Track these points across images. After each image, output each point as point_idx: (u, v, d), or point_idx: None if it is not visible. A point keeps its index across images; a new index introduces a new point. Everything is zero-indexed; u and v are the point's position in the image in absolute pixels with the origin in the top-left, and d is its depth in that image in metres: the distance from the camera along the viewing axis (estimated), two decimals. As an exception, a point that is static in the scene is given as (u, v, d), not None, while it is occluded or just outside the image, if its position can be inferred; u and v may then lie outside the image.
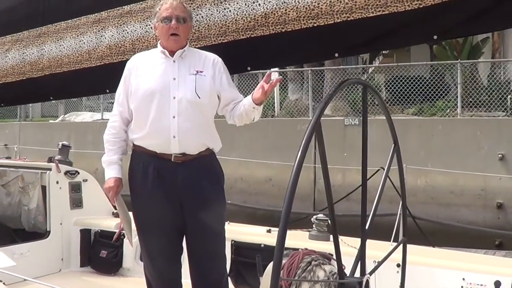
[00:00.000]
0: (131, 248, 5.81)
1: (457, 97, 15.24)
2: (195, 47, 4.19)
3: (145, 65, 4.00)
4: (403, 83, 16.25)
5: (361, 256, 2.88)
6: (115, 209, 6.28)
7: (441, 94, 16.18)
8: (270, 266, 4.29)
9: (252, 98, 3.82)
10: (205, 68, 3.95)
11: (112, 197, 4.06)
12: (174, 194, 3.90)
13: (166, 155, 3.88)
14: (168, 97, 3.84)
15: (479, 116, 14.88)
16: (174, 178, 3.89)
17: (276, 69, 16.83)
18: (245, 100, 3.93)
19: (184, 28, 3.95)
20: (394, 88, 16.44)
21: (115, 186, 4.01)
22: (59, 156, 6.52)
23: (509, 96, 15.39)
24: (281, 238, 2.23)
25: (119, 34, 4.59)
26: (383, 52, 24.13)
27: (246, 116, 3.94)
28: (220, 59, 4.02)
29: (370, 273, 2.93)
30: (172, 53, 3.96)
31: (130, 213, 4.19)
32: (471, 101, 15.56)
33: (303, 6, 3.79)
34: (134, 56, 4.16)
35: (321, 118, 2.48)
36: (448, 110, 15.52)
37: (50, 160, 6.40)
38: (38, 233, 6.20)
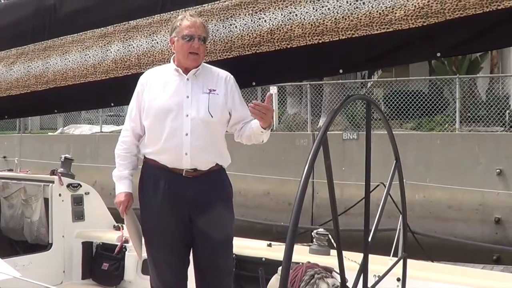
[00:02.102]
0: (132, 261, 5.84)
1: (455, 112, 15.26)
2: None
3: (158, 82, 4.02)
4: (401, 97, 16.28)
5: (363, 269, 2.91)
6: (116, 222, 6.34)
7: (440, 109, 16.17)
8: (273, 280, 4.33)
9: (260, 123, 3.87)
10: (218, 87, 3.98)
11: (123, 211, 4.10)
12: (184, 208, 3.93)
13: (177, 169, 3.92)
14: (182, 115, 3.88)
15: (477, 131, 14.89)
16: (185, 192, 3.92)
17: (275, 83, 16.85)
18: (253, 122, 3.95)
19: (203, 47, 3.98)
20: (393, 102, 16.46)
21: (126, 200, 4.05)
22: (62, 169, 6.54)
23: (507, 111, 15.42)
24: (289, 251, 2.24)
25: (125, 48, 4.58)
26: (382, 66, 24.20)
27: (255, 138, 3.99)
28: (232, 76, 4.05)
29: (372, 287, 2.96)
30: (186, 71, 3.98)
31: None
32: (469, 116, 15.59)
33: (309, 23, 3.81)
34: (147, 72, 4.17)
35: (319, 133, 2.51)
36: (446, 125, 15.52)
37: (53, 172, 6.42)
38: (40, 245, 6.22)
